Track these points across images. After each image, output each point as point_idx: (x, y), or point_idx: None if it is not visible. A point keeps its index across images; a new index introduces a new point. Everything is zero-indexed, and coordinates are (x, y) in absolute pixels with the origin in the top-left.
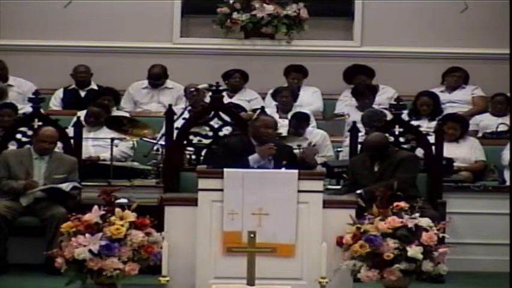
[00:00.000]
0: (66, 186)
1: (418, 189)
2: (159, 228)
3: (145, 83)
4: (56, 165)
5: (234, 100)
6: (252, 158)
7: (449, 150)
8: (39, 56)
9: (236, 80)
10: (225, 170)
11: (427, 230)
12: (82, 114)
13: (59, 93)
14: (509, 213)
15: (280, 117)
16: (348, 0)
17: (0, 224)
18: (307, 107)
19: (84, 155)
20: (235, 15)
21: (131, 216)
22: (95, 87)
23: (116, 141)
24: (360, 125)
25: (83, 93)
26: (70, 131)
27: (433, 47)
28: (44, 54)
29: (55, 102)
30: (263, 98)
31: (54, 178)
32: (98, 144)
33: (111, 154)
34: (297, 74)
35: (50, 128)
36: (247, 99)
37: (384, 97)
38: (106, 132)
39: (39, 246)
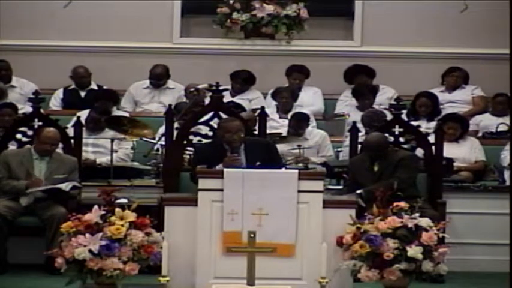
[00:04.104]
0: (65, 186)
1: (418, 189)
2: (159, 228)
3: (147, 82)
4: (57, 165)
5: (235, 99)
6: (218, 168)
7: (449, 150)
8: (39, 56)
9: (237, 86)
10: (225, 170)
11: (427, 230)
12: (82, 114)
13: (59, 93)
14: (509, 213)
15: (280, 117)
16: (348, 0)
17: (0, 224)
18: (308, 108)
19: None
20: (235, 15)
21: (131, 216)
22: (95, 87)
23: (115, 147)
24: (360, 125)
25: (82, 94)
26: (70, 131)
27: (433, 47)
28: (44, 54)
29: (55, 103)
30: (264, 98)
31: (54, 178)
32: (98, 150)
33: (111, 154)
34: (298, 74)
35: (52, 129)
36: (248, 98)
37: (384, 97)
38: (106, 136)
39: (39, 246)
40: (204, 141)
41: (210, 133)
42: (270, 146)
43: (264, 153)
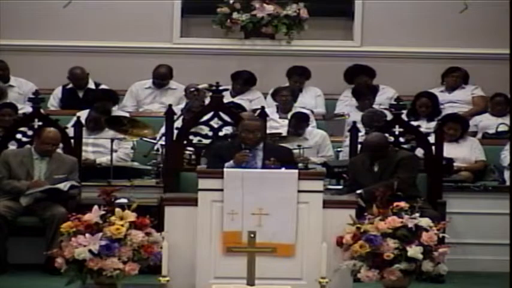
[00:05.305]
0: (64, 186)
1: (418, 189)
2: (159, 228)
3: (149, 82)
4: (57, 165)
5: (236, 99)
6: (229, 164)
7: (449, 150)
8: (39, 56)
9: (238, 86)
10: (225, 170)
11: (427, 230)
12: (82, 114)
13: (58, 92)
14: (509, 213)
15: (280, 118)
16: (348, 0)
17: (0, 224)
18: (309, 109)
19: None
20: (235, 15)
21: (131, 216)
22: (93, 87)
23: (115, 147)
24: (360, 125)
25: (81, 94)
26: (70, 131)
27: (433, 47)
28: (44, 54)
29: (53, 102)
30: (264, 98)
31: (54, 178)
32: (98, 150)
33: (111, 154)
34: (299, 77)
35: (53, 129)
36: (249, 98)
37: (384, 97)
38: (106, 136)
39: (39, 246)
40: (204, 141)
41: (210, 133)
42: (289, 154)
43: (281, 159)
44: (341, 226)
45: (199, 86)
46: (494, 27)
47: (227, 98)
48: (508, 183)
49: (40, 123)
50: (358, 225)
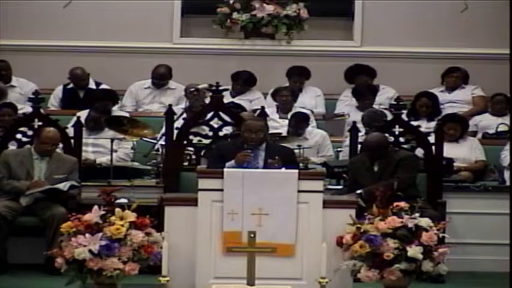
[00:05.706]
0: (63, 186)
1: (418, 189)
2: (159, 228)
3: (148, 82)
4: (57, 165)
5: (236, 100)
6: (230, 164)
7: (449, 150)
8: (39, 56)
9: (238, 87)
10: (225, 170)
11: (427, 230)
12: (82, 114)
13: (58, 92)
14: (509, 213)
15: (280, 118)
16: (348, 0)
17: (0, 224)
18: (309, 110)
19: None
20: (235, 15)
21: (131, 216)
22: (94, 86)
23: (115, 147)
24: (360, 125)
25: (81, 94)
26: (70, 131)
27: (433, 47)
28: (44, 54)
29: (54, 102)
30: (264, 98)
31: (54, 178)
32: (98, 150)
33: (111, 154)
34: (299, 77)
35: (52, 129)
36: (249, 98)
37: (384, 97)
38: (106, 136)
39: (39, 246)
40: (204, 141)
41: (210, 133)
42: (291, 154)
43: (283, 159)
44: (341, 226)
45: (199, 86)
46: (494, 27)
47: (227, 98)
48: (508, 183)
49: (40, 123)
50: (358, 225)
